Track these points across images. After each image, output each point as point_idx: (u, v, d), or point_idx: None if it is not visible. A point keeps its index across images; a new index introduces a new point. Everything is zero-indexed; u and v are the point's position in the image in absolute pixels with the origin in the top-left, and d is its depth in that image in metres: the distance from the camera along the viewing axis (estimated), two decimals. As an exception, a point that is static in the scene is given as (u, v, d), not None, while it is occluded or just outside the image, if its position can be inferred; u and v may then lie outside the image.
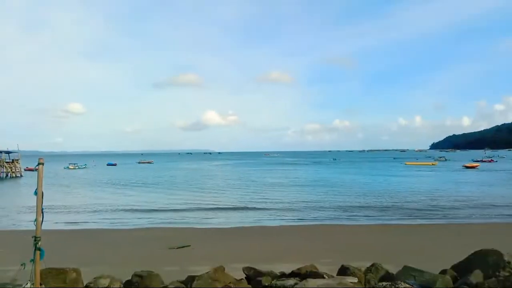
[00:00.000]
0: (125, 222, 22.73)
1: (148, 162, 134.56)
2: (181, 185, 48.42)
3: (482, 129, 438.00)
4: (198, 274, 6.72)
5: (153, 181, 54.49)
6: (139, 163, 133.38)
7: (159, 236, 17.49)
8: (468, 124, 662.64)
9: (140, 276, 6.84)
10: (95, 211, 27.09)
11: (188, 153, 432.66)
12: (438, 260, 8.94)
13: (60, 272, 6.51)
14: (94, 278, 6.81)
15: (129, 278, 6.95)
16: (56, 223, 21.83)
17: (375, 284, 5.86)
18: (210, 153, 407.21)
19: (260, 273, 6.68)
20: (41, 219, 5.17)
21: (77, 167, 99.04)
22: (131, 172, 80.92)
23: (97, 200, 33.54)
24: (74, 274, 6.67)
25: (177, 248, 14.38)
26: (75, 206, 29.19)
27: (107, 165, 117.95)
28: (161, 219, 23.75)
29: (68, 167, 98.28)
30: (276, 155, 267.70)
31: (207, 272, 6.59)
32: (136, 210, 27.24)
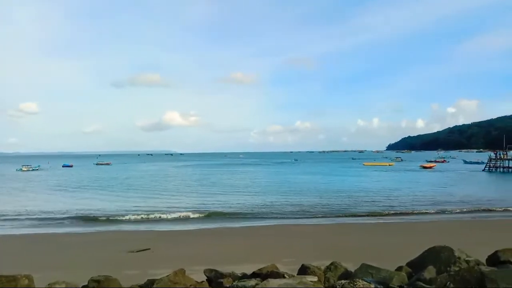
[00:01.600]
0: (80, 226, 21.96)
1: (106, 164, 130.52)
2: (138, 187, 47.07)
3: (436, 131, 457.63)
4: (158, 277, 6.59)
5: (109, 184, 52.85)
6: (97, 164, 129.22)
7: (117, 239, 17.03)
8: (422, 126, 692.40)
9: (97, 281, 6.60)
10: (46, 215, 25.85)
11: (148, 154, 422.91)
12: (394, 257, 9.23)
13: (10, 279, 6.17)
14: (48, 284, 6.50)
15: (86, 283, 6.70)
16: (5, 228, 20.78)
17: (334, 282, 5.96)
18: (171, 154, 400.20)
19: (221, 275, 6.63)
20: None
21: (30, 169, 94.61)
22: (86, 174, 78.13)
23: (48, 203, 32.04)
24: (26, 281, 6.34)
25: (136, 251, 14.06)
26: (25, 210, 27.82)
27: (63, 166, 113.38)
28: (117, 223, 23.10)
29: (21, 169, 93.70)
30: (237, 156, 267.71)
31: (167, 275, 6.47)
32: (90, 214, 26.24)
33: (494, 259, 6.52)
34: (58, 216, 25.48)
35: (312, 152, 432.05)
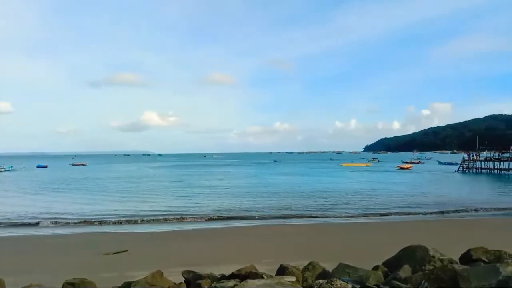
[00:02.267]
0: (54, 228, 21.45)
1: (82, 165, 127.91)
2: (113, 189, 46.17)
3: (411, 132, 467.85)
4: (135, 279, 6.49)
5: (84, 185, 51.79)
6: (72, 165, 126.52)
7: (92, 241, 16.71)
8: (398, 127, 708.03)
9: (72, 284, 6.46)
10: (18, 217, 25.08)
11: (126, 154, 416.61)
12: (371, 256, 9.36)
13: (-20, 284, 5.99)
14: (20, 288, 6.34)
15: (60, 286, 6.55)
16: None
17: (312, 282, 6.00)
18: (149, 155, 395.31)
19: (200, 276, 6.58)
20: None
21: (3, 170, 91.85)
22: (61, 174, 76.29)
23: (20, 205, 31.10)
24: (-4, 285, 6.16)
25: (112, 253, 13.81)
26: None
27: (37, 167, 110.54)
28: (93, 224, 22.65)
29: None
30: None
31: (145, 277, 6.39)
32: (64, 216, 25.65)
33: (466, 258, 6.70)
34: (31, 218, 24.78)
35: (291, 153, 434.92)
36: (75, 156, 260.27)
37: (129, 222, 23.37)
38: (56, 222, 23.22)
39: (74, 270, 10.29)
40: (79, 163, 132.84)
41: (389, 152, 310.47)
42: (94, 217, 25.10)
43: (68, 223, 23.03)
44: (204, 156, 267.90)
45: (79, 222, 23.22)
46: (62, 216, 25.38)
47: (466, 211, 26.46)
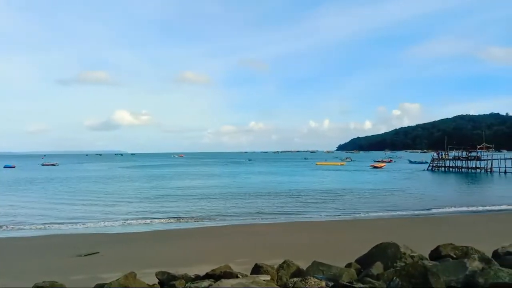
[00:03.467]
0: (21, 231, 20.77)
1: (52, 165, 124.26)
2: (83, 189, 45.08)
3: (383, 132, 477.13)
4: (108, 281, 6.37)
5: (53, 185, 50.37)
6: (42, 165, 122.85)
7: (62, 243, 16.29)
8: (370, 127, 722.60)
9: (41, 288, 6.28)
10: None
11: (98, 154, 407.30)
12: (344, 254, 9.51)
13: None
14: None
15: (28, 291, 6.35)
16: None
17: (287, 280, 6.04)
18: (121, 155, 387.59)
19: (174, 277, 6.52)
20: None
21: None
22: (29, 175, 73.87)
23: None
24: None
25: (84, 255, 13.51)
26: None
27: (4, 167, 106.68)
28: (61, 226, 22.01)
29: None
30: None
31: (117, 279, 6.27)
32: (30, 218, 24.88)
33: (436, 254, 6.91)
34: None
35: (266, 152, 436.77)
36: (45, 156, 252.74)
37: (99, 224, 22.82)
38: (21, 225, 22.46)
39: (44, 273, 9.99)
40: (49, 163, 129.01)
41: (361, 152, 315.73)
42: (62, 219, 24.41)
43: (34, 226, 22.31)
44: (172, 156, 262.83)
45: (47, 224, 22.53)
46: (27, 219, 24.49)
47: (435, 208, 27.21)
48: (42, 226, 21.94)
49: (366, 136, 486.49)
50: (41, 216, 25.31)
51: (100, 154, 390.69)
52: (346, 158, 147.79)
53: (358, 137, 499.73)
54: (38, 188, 47.27)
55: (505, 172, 62.32)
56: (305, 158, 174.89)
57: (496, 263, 6.03)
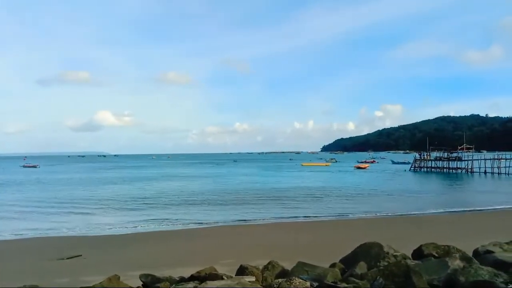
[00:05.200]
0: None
1: (33, 166, 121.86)
2: (63, 192, 44.03)
3: (366, 133, 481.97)
4: (91, 284, 6.29)
5: (31, 189, 49.28)
6: (23, 166, 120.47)
7: (43, 246, 16.00)
8: (353, 128, 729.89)
9: (22, 292, 6.16)
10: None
11: (80, 155, 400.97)
12: (329, 254, 9.58)
13: None
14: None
15: (8, 295, 6.23)
16: None
17: (272, 281, 6.06)
18: (104, 156, 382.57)
19: (158, 279, 6.48)
20: None
21: None
22: (6, 178, 72.25)
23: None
24: None
25: (66, 258, 13.29)
26: None
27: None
28: (42, 229, 21.54)
29: None
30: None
31: (101, 282, 6.20)
32: (13, 220, 24.40)
33: (418, 253, 7.03)
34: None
35: (251, 153, 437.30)
36: (26, 157, 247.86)
37: (81, 227, 22.37)
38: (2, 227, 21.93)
39: (25, 277, 9.79)
40: (30, 165, 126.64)
41: (345, 152, 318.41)
42: (42, 222, 23.90)
43: (16, 227, 21.79)
44: (153, 158, 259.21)
45: (29, 227, 22.02)
46: (8, 217, 24.03)
47: (418, 208, 27.58)
48: (21, 230, 21.39)
49: (350, 137, 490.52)
50: (17, 221, 24.68)
51: (83, 156, 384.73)
52: (331, 159, 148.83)
53: (342, 138, 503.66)
54: (14, 190, 46.12)
55: (485, 172, 63.68)
56: (290, 159, 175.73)
57: (476, 261, 6.16)
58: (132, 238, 18.20)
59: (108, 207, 30.00)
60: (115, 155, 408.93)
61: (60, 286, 9.34)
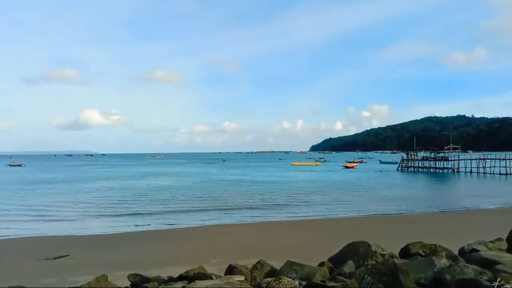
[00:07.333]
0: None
1: (18, 165, 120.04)
2: (50, 191, 43.61)
3: (354, 133, 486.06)
4: (78, 285, 6.24)
5: (15, 188, 48.56)
6: (10, 165, 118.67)
7: (29, 246, 15.76)
8: (341, 128, 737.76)
9: (8, 293, 6.08)
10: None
11: (67, 154, 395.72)
12: (317, 253, 9.64)
13: None
14: None
15: (-6, 296, 6.14)
16: None
17: (261, 280, 6.07)
18: (92, 155, 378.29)
19: (147, 279, 6.44)
20: None
21: None
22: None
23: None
24: None
25: (53, 258, 13.13)
26: None
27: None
28: (27, 229, 21.22)
29: None
30: (157, 156, 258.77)
31: (88, 282, 6.15)
32: None
33: (405, 252, 7.11)
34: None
35: (240, 152, 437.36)
36: (12, 156, 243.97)
37: (68, 226, 22.08)
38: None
39: (10, 278, 9.66)
40: (15, 164, 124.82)
41: (333, 152, 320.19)
42: (27, 222, 23.56)
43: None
44: (154, 157, 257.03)
45: (14, 227, 21.70)
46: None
47: (405, 207, 27.87)
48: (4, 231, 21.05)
49: (338, 137, 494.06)
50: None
51: (70, 155, 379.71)
52: (320, 158, 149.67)
53: (330, 138, 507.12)
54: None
55: (471, 172, 64.66)
56: (279, 159, 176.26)
57: (462, 260, 6.26)
58: (120, 238, 18.05)
59: (96, 206, 29.69)
60: (102, 154, 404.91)
61: (47, 287, 9.24)
